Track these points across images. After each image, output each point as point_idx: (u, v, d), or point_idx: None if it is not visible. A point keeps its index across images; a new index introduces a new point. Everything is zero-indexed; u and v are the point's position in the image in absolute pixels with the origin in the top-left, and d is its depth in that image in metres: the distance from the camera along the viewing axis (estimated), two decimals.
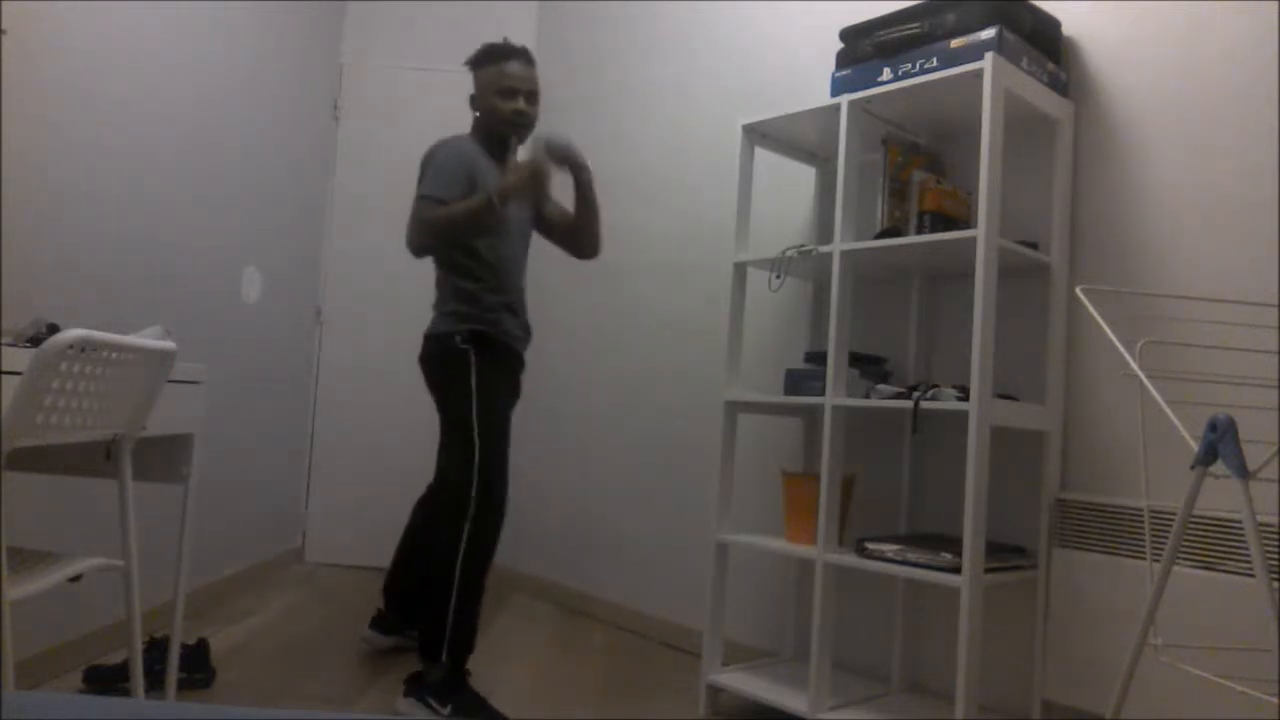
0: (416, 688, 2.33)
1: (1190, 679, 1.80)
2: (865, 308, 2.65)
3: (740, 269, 2.51)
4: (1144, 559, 1.91)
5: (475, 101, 2.58)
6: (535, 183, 2.36)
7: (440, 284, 2.53)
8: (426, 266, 2.58)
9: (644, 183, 3.51)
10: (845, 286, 2.20)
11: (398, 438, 4.13)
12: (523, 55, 2.55)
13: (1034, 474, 2.23)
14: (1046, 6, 2.30)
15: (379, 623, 2.87)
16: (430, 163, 2.48)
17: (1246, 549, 1.77)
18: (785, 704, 2.22)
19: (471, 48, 2.61)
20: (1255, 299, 1.92)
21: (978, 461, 1.90)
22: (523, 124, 2.54)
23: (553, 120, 4.07)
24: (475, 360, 2.42)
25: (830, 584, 2.17)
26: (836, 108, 2.28)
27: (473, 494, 2.33)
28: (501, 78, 2.51)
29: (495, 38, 2.63)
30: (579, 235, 2.67)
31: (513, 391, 2.60)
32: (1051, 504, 2.11)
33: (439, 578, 2.33)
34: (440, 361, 2.46)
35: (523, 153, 2.53)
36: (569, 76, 4.01)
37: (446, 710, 2.26)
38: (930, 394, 2.07)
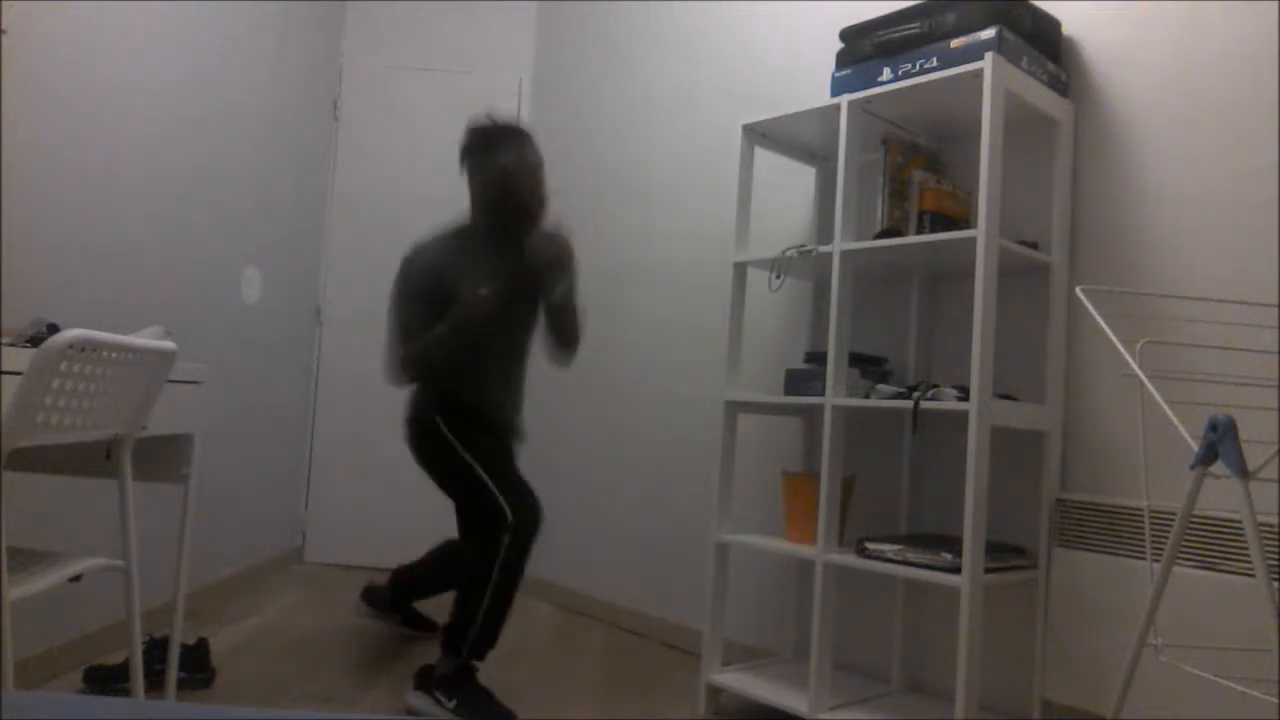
0: (425, 681, 2.35)
1: (1190, 679, 1.80)
2: (865, 308, 2.65)
3: (740, 269, 2.50)
4: (1144, 559, 1.91)
5: (490, 189, 2.45)
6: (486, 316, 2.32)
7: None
8: None
9: (644, 183, 3.51)
10: (845, 286, 2.20)
11: (398, 438, 4.13)
12: (529, 134, 2.50)
13: (1034, 474, 2.23)
14: (1046, 6, 2.30)
15: (370, 596, 2.95)
16: (403, 281, 2.45)
17: (1246, 549, 1.77)
18: (785, 704, 2.22)
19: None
20: (1255, 299, 1.92)
21: (978, 461, 1.90)
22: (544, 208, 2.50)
23: (552, 121, 4.08)
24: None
25: (830, 584, 2.17)
26: (836, 108, 2.28)
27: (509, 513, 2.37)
28: (528, 165, 2.43)
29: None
30: (549, 338, 2.58)
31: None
32: (1051, 504, 2.11)
33: (475, 575, 2.34)
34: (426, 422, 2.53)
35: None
36: (568, 77, 4.01)
37: (452, 704, 2.28)
38: (930, 394, 2.07)
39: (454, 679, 2.31)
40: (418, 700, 2.33)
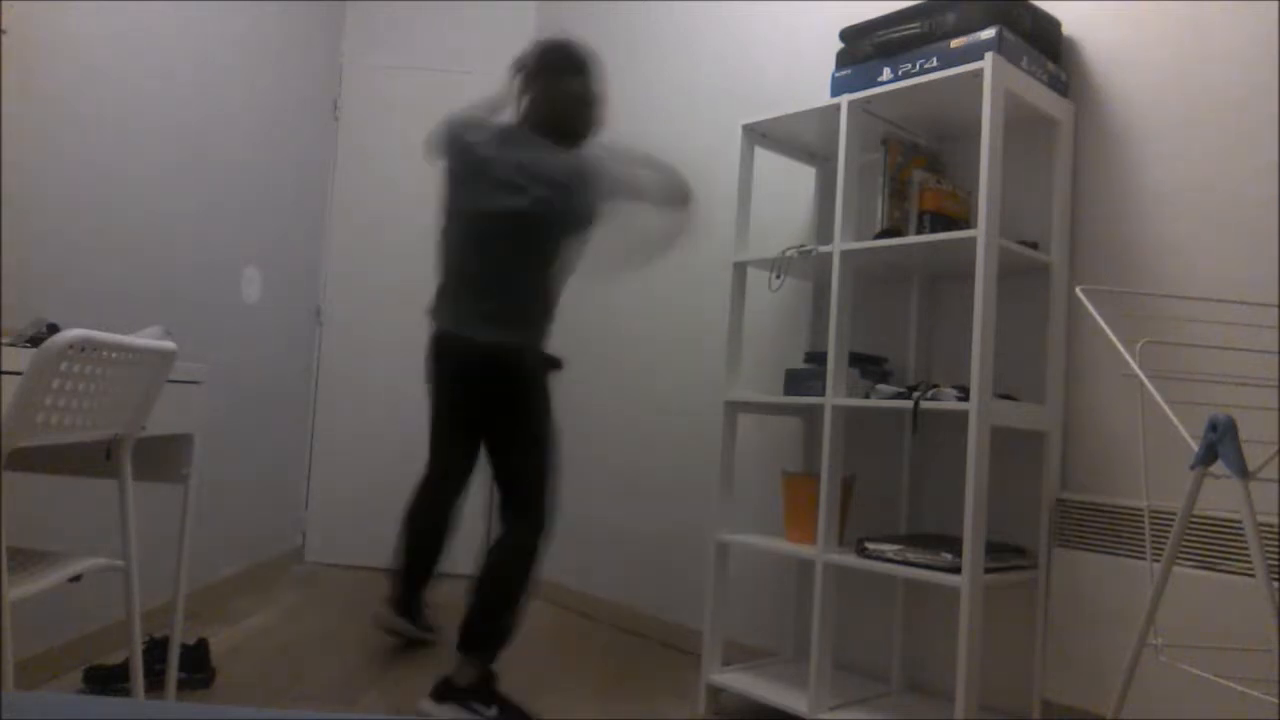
0: (453, 691, 2.21)
1: (1190, 679, 1.80)
2: (865, 308, 2.65)
3: (740, 269, 2.51)
4: (1144, 559, 1.91)
5: (577, 109, 2.44)
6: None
7: (530, 285, 2.33)
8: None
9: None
10: (845, 286, 2.20)
11: (398, 438, 4.13)
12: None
13: (1034, 474, 2.23)
14: (1046, 6, 2.30)
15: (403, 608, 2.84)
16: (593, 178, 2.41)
17: (1246, 549, 1.77)
18: (785, 704, 2.22)
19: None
20: (1255, 299, 1.92)
21: (978, 461, 1.90)
22: None
23: None
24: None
25: (830, 584, 2.17)
26: (836, 108, 2.28)
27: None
28: (595, 88, 2.47)
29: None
30: None
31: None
32: (1051, 504, 2.11)
33: (500, 573, 2.29)
34: (536, 376, 2.36)
35: None
36: None
37: (492, 711, 2.19)
38: (930, 394, 2.07)
39: (483, 687, 2.22)
40: (450, 713, 2.19)
